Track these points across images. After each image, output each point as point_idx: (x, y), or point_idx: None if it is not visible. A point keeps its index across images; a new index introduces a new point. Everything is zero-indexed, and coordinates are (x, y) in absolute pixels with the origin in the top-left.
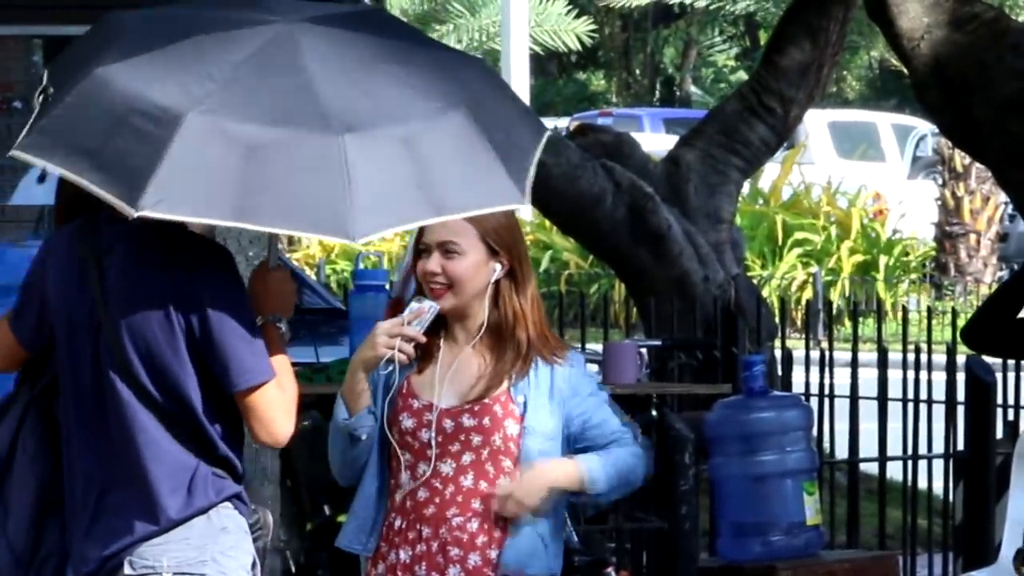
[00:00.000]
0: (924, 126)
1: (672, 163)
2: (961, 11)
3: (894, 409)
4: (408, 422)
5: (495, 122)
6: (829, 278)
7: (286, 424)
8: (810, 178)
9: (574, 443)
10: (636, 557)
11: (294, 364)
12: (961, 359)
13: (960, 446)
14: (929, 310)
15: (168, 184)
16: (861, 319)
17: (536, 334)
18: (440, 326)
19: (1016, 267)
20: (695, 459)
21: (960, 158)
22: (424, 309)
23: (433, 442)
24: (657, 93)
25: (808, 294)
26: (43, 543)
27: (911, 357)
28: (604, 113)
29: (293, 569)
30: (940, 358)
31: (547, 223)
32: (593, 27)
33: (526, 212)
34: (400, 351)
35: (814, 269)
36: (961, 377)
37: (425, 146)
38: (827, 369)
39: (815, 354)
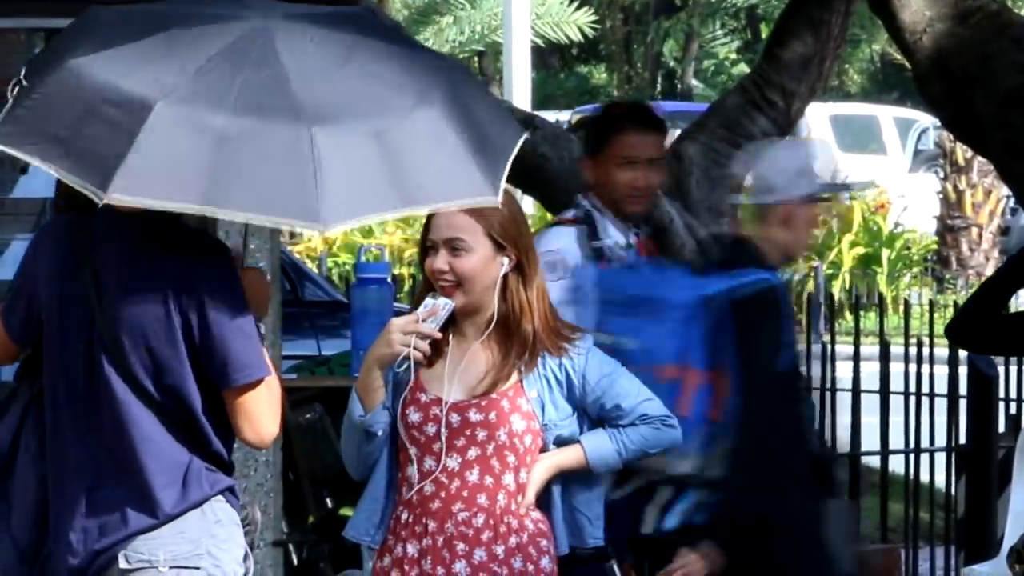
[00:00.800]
0: (926, 119)
1: (674, 156)
2: (963, 4)
3: (896, 403)
4: (415, 416)
5: (469, 121)
6: (831, 271)
7: (272, 424)
8: None
9: (599, 426)
10: None
11: (297, 357)
12: (963, 353)
13: (962, 439)
14: (931, 303)
15: (137, 170)
16: (863, 312)
17: (543, 326)
18: (449, 321)
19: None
20: None
21: (962, 151)
22: (439, 307)
23: (442, 436)
24: (658, 86)
25: (810, 287)
26: (47, 540)
27: (913, 351)
28: None
29: (295, 562)
30: (942, 351)
31: (549, 216)
32: (594, 19)
33: (528, 205)
34: (415, 348)
35: (815, 263)
36: (963, 371)
37: (396, 140)
38: (829, 363)
39: (817, 347)
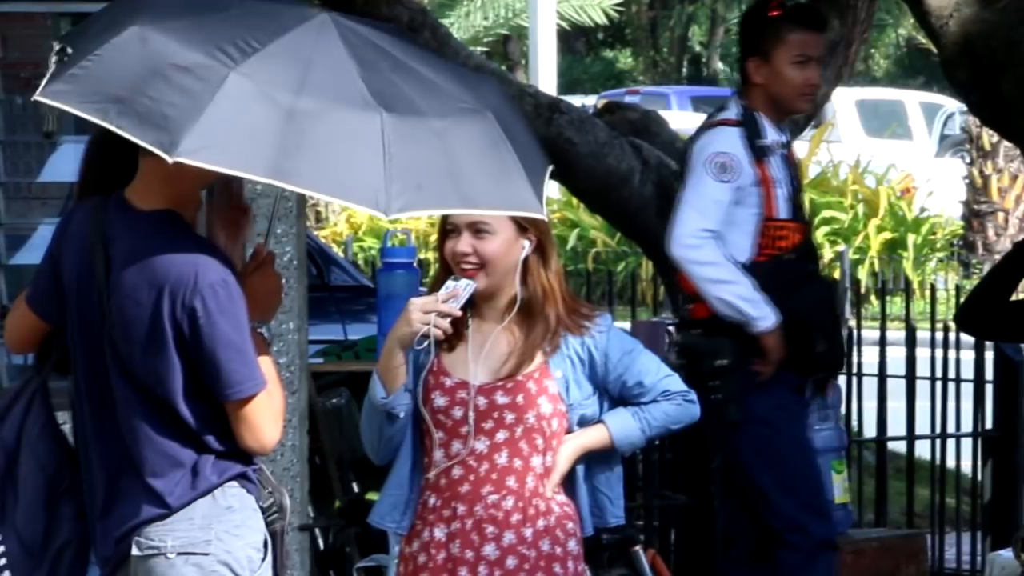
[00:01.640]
0: (952, 104)
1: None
2: None
3: (922, 388)
4: (441, 400)
5: (515, 138)
6: (857, 256)
7: (273, 431)
8: (838, 156)
9: (621, 403)
10: (664, 534)
11: (323, 341)
12: None
13: (988, 425)
14: (957, 288)
15: (206, 134)
16: (889, 297)
17: (564, 308)
18: (468, 304)
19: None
20: None
21: (988, 136)
22: (459, 288)
23: (471, 419)
24: (684, 71)
25: (836, 273)
26: (57, 533)
27: (939, 336)
28: (632, 91)
29: (322, 546)
30: (968, 337)
31: (574, 201)
32: (619, 1)
33: (553, 190)
34: (435, 327)
35: (842, 248)
36: (990, 356)
37: (456, 141)
38: (855, 348)
39: (843, 333)
